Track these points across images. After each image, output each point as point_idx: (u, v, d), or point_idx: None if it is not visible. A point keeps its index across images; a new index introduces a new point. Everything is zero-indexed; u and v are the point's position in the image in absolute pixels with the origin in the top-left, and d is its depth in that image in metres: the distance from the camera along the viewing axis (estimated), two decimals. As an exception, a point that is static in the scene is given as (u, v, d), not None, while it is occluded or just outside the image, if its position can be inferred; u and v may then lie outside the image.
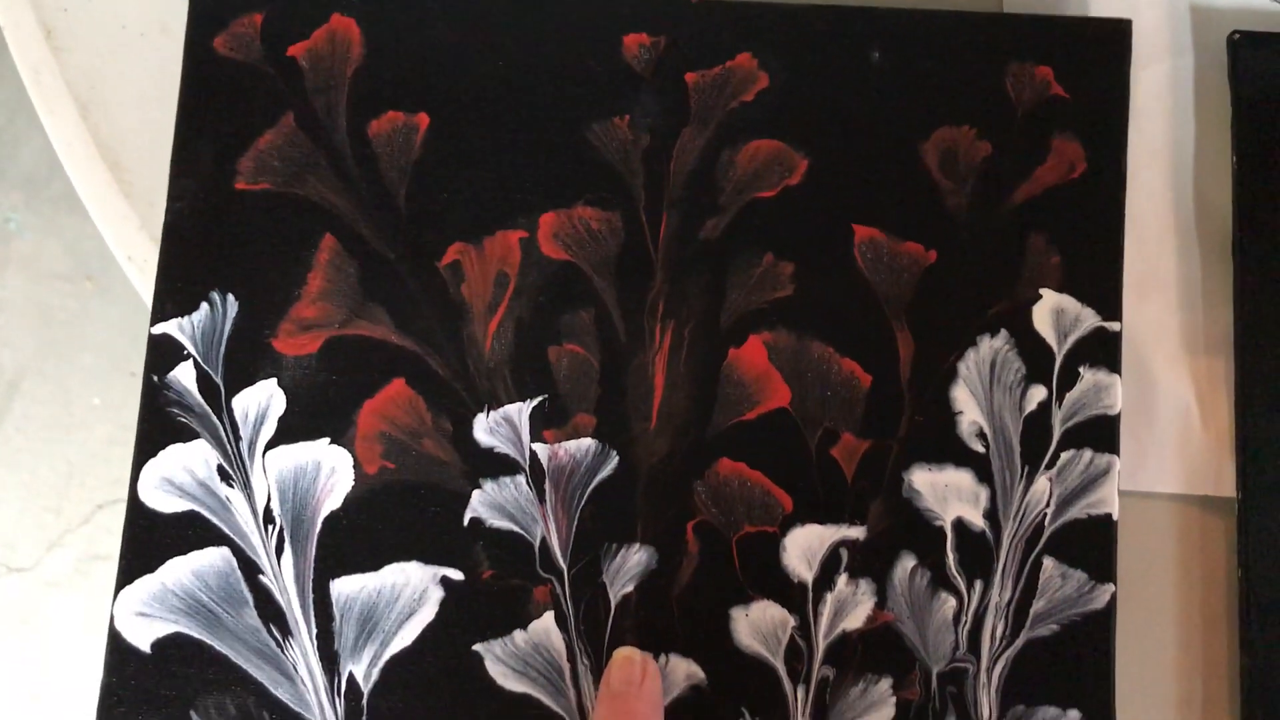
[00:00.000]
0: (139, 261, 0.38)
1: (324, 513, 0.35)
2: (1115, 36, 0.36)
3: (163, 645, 0.34)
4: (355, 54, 0.37)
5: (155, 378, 0.36)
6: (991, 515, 0.35)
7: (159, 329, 0.36)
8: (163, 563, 0.35)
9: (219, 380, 0.35)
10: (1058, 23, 0.37)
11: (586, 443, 0.35)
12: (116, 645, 0.34)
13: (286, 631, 0.34)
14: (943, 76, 0.36)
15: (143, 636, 0.34)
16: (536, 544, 0.35)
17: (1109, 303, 0.35)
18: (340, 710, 0.34)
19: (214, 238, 0.36)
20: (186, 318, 0.36)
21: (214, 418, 0.35)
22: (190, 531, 0.35)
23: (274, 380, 0.35)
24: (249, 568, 0.35)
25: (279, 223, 0.36)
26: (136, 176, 0.38)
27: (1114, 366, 0.35)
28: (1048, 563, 0.34)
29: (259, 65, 0.37)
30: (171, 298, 0.36)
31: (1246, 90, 0.36)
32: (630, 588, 0.35)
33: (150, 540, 0.35)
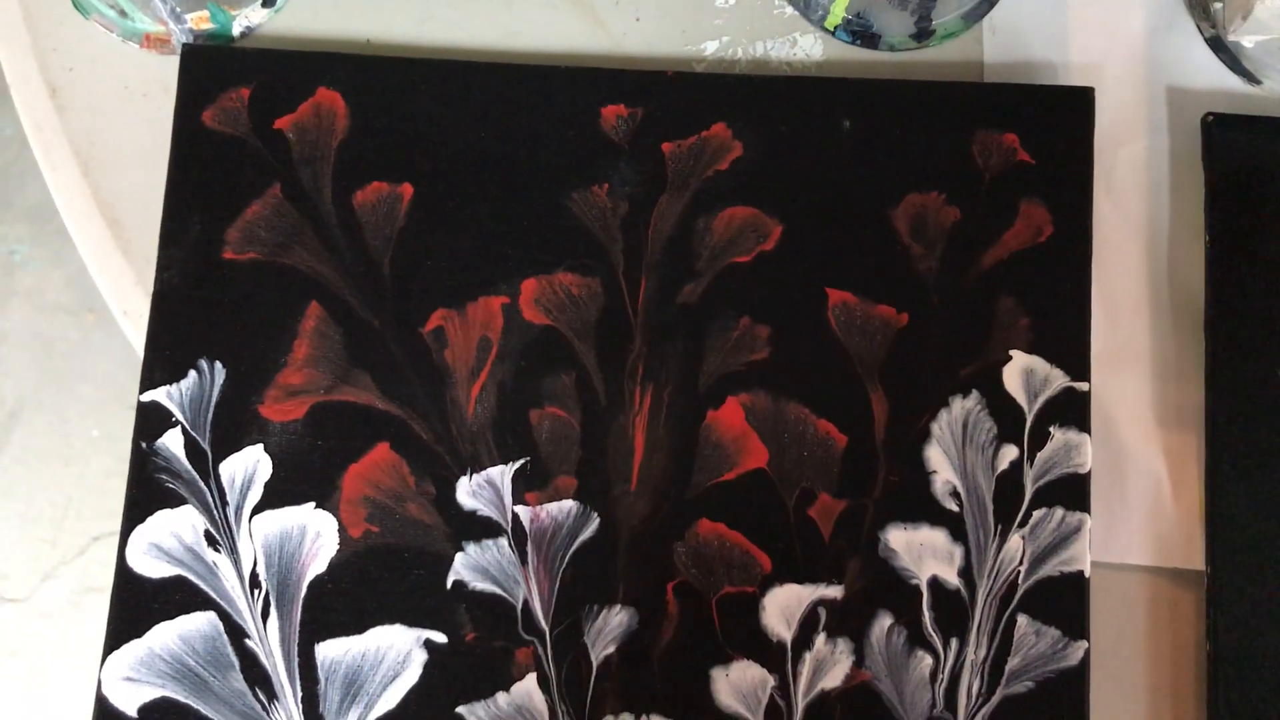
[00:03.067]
0: (134, 316, 0.39)
1: (309, 577, 0.35)
2: (1079, 104, 0.37)
3: (150, 710, 0.35)
4: (340, 126, 0.38)
5: (144, 444, 0.36)
6: (966, 573, 0.35)
7: (148, 396, 0.36)
8: (150, 628, 0.35)
9: (206, 446, 0.36)
10: (1023, 91, 0.38)
11: (568, 505, 0.36)
12: (104, 710, 0.35)
13: (272, 695, 0.35)
14: (912, 144, 0.37)
15: (130, 701, 0.35)
16: (519, 606, 0.35)
17: (1078, 363, 0.36)
18: (325, 773, 0.34)
19: (202, 306, 0.37)
20: (175, 385, 0.36)
21: (201, 484, 0.36)
22: (178, 596, 0.35)
23: (260, 446, 0.36)
24: (235, 632, 0.35)
25: (266, 291, 0.37)
26: (134, 234, 0.39)
27: (1083, 426, 0.36)
28: (1022, 620, 0.35)
29: (247, 138, 0.38)
30: (160, 365, 0.37)
31: (1219, 170, 0.37)
32: (612, 649, 0.35)
33: (138, 605, 0.35)
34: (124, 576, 0.35)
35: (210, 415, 0.36)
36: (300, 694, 0.35)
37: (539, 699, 0.35)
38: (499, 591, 0.35)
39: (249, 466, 0.36)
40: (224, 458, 0.36)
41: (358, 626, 0.35)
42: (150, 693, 0.35)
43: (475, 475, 0.36)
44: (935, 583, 0.35)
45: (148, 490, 0.36)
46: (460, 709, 0.35)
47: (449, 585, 0.35)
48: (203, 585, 0.35)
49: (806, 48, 0.39)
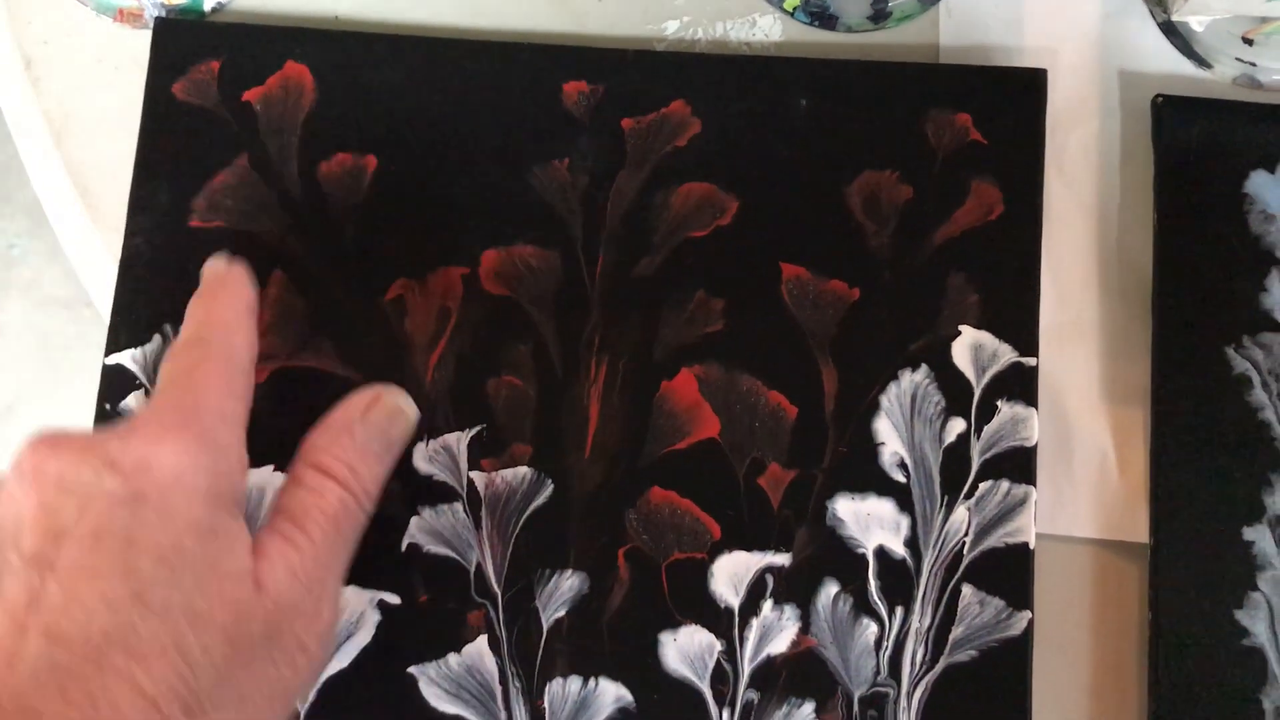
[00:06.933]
0: (102, 282, 0.39)
1: (266, 538, 0.36)
2: (1031, 85, 0.38)
3: (107, 666, 0.35)
4: (307, 99, 0.39)
5: (108, 406, 0.37)
6: (912, 543, 0.36)
7: (113, 359, 0.37)
8: (109, 585, 0.36)
9: (169, 409, 0.37)
10: (976, 72, 0.38)
11: (522, 471, 0.37)
12: (62, 665, 0.35)
13: (227, 653, 0.35)
14: (867, 123, 0.38)
15: (87, 657, 0.35)
16: (472, 569, 0.36)
17: (1025, 339, 0.37)
18: (277, 731, 0.35)
19: (168, 272, 0.38)
20: (140, 349, 0.37)
21: (163, 445, 0.37)
22: (137, 555, 0.36)
23: (222, 409, 0.37)
24: (193, 591, 0.36)
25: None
26: (103, 202, 0.40)
27: (1030, 400, 0.36)
28: (966, 590, 0.35)
29: (215, 110, 0.39)
30: (125, 329, 0.37)
31: (1168, 151, 0.38)
32: (562, 612, 0.36)
33: (98, 563, 0.36)
34: (85, 535, 0.36)
35: (173, 379, 0.37)
36: (255, 652, 0.35)
37: (490, 660, 0.35)
38: (453, 555, 0.36)
39: (210, 429, 0.37)
40: (186, 420, 0.37)
41: (313, 587, 0.36)
42: (108, 649, 0.35)
43: (432, 441, 0.37)
44: (881, 552, 0.36)
45: (110, 451, 0.37)
46: (412, 669, 0.35)
47: (404, 548, 0.36)
48: (162, 545, 0.36)
49: (765, 28, 0.40)
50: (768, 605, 0.35)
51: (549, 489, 0.36)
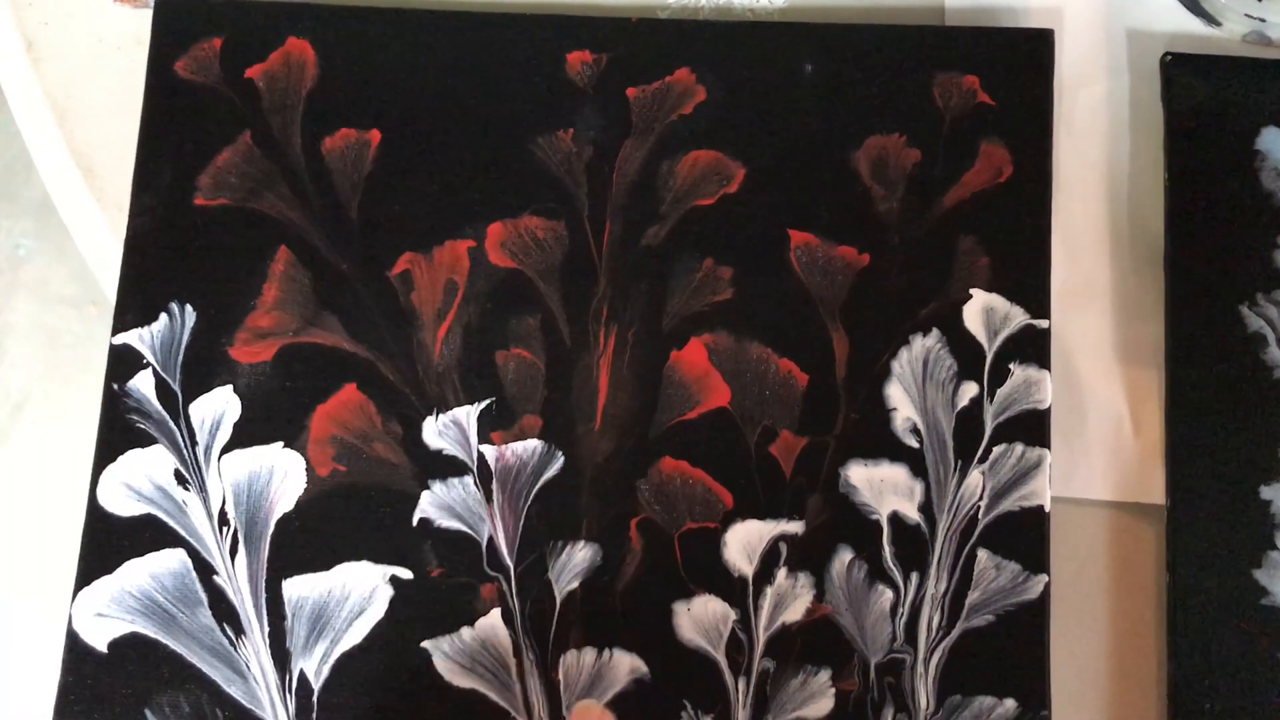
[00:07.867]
0: (107, 263, 0.39)
1: (277, 514, 0.36)
2: (1038, 46, 0.38)
3: (119, 645, 0.35)
4: (310, 74, 0.38)
5: (115, 386, 0.37)
6: (926, 509, 0.35)
7: (120, 339, 0.37)
8: (120, 565, 0.36)
9: (177, 388, 0.37)
10: (983, 34, 0.38)
11: (533, 444, 0.36)
12: (74, 646, 0.35)
13: (239, 630, 0.35)
14: (873, 87, 0.38)
15: (100, 637, 0.35)
16: (484, 543, 0.36)
17: (1037, 301, 0.36)
18: (291, 707, 0.35)
19: (173, 251, 0.37)
20: (146, 328, 0.37)
21: (172, 424, 0.36)
22: (148, 534, 0.36)
23: (230, 387, 0.37)
24: (204, 569, 0.36)
25: (236, 236, 0.37)
26: (107, 183, 0.40)
27: (1043, 363, 0.36)
28: (982, 554, 0.35)
29: (218, 87, 0.38)
30: (132, 309, 0.37)
31: (1178, 109, 0.37)
32: (575, 584, 0.35)
33: (109, 543, 0.36)
34: (95, 514, 0.36)
35: (180, 357, 0.37)
36: (267, 629, 0.35)
37: (503, 634, 0.35)
38: (464, 529, 0.36)
39: (218, 407, 0.37)
40: (194, 399, 0.37)
41: (324, 563, 0.36)
42: (120, 628, 0.35)
43: (441, 415, 0.36)
44: (895, 518, 0.35)
45: (119, 430, 0.36)
46: (425, 644, 0.35)
47: (415, 523, 0.36)
48: (172, 523, 0.36)
49: (769, -6, 0.39)
50: (782, 573, 0.35)
51: (560, 461, 0.36)
